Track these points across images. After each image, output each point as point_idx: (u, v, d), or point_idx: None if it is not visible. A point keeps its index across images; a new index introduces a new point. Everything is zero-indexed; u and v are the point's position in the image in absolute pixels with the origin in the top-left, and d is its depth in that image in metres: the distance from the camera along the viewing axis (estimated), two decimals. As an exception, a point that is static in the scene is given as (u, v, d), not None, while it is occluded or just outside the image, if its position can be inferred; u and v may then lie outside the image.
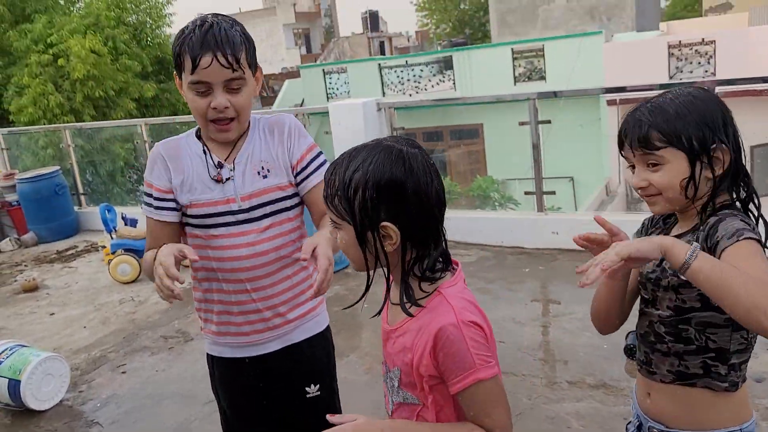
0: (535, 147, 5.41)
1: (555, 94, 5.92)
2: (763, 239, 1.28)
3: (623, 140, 1.42)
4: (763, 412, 2.90)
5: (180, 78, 1.76)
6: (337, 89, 17.95)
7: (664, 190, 1.38)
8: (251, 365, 1.93)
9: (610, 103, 13.56)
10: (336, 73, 18.23)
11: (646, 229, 1.58)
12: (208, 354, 2.02)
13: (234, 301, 1.87)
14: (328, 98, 17.23)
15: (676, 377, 1.40)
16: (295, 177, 1.88)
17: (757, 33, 13.73)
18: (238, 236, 1.82)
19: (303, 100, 18.04)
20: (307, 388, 1.95)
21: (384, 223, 1.21)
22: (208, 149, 1.83)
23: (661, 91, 1.43)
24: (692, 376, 1.39)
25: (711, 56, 13.47)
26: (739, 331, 1.35)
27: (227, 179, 1.81)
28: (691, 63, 13.59)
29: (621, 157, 1.48)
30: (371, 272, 1.28)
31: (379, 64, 17.80)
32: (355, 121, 5.92)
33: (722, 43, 13.30)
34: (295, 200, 1.90)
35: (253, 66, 1.77)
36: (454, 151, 15.53)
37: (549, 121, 5.14)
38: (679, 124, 1.34)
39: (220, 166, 1.82)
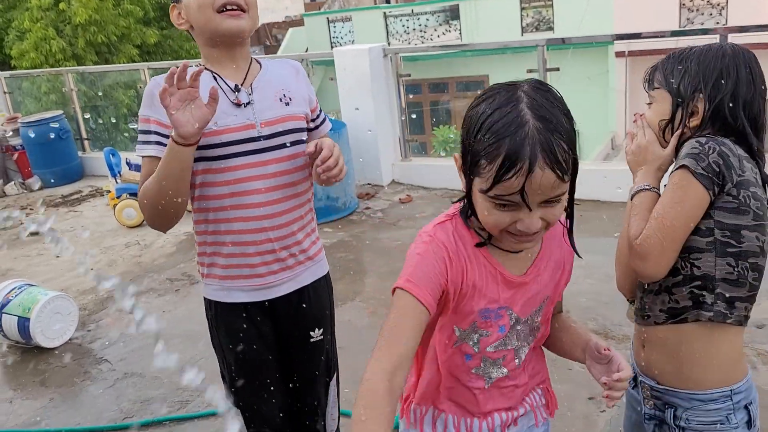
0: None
1: (563, 41, 5.83)
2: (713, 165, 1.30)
3: None
4: (764, 357, 2.94)
5: None
6: (342, 38, 17.69)
7: (649, 125, 1.51)
8: (261, 311, 1.86)
9: (619, 55, 13.37)
10: (340, 22, 17.93)
11: None
12: (210, 302, 1.89)
13: (249, 241, 1.77)
14: (332, 47, 16.97)
15: (668, 316, 1.40)
16: (312, 120, 1.88)
17: (771, -15, 13.41)
18: (257, 166, 1.73)
19: (307, 49, 17.79)
20: (311, 333, 1.94)
21: None
22: (218, 74, 1.75)
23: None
24: (682, 311, 1.38)
25: (723, 8, 13.21)
26: (724, 258, 1.33)
27: (246, 104, 1.73)
28: (702, 14, 13.34)
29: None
30: None
31: (384, 13, 17.50)
32: (360, 67, 5.85)
33: (735, -5, 13.02)
34: (306, 137, 1.85)
35: None
36: (460, 102, 15.39)
37: (557, 69, 5.08)
38: (676, 69, 1.44)
39: (236, 89, 1.73)
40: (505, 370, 1.30)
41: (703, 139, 1.33)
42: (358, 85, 5.89)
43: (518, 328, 1.28)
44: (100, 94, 9.04)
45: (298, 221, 1.84)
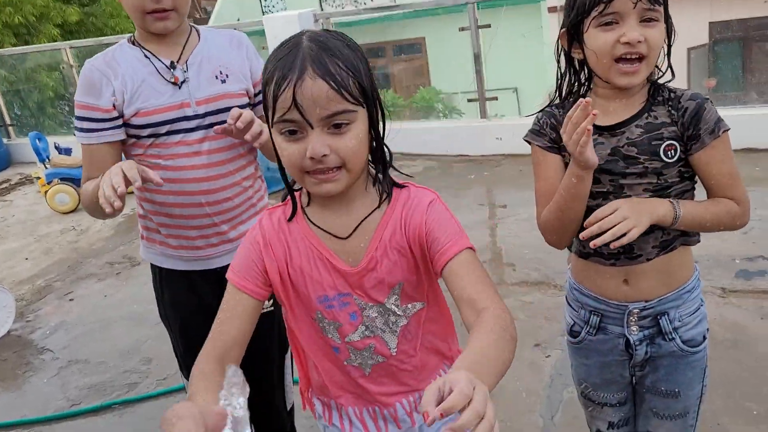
0: (477, 55, 5.36)
1: (495, -2, 5.82)
2: None
3: None
4: (719, 291, 3.08)
5: None
6: (273, 6, 17.27)
7: (653, 49, 1.30)
8: (204, 280, 1.85)
9: (551, 10, 13.46)
10: (271, -10, 17.47)
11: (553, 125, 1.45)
12: (154, 267, 1.92)
13: (187, 215, 1.78)
14: (263, 14, 16.56)
15: (661, 249, 1.44)
16: (255, 96, 1.83)
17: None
18: (192, 144, 1.72)
19: (239, 19, 17.32)
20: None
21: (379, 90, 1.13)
22: (151, 53, 1.72)
23: None
24: (673, 240, 1.44)
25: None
26: (695, 190, 1.45)
27: (182, 82, 1.71)
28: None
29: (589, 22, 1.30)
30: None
31: (316, -21, 17.13)
32: (291, 34, 5.72)
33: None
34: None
35: None
36: (398, 66, 15.29)
37: (489, 25, 5.09)
38: None
39: (172, 66, 1.71)
40: (380, 357, 1.23)
41: (705, 97, 1.37)
42: (291, 52, 5.77)
43: (373, 315, 1.20)
44: (21, 77, 8.62)
45: (240, 195, 1.82)
